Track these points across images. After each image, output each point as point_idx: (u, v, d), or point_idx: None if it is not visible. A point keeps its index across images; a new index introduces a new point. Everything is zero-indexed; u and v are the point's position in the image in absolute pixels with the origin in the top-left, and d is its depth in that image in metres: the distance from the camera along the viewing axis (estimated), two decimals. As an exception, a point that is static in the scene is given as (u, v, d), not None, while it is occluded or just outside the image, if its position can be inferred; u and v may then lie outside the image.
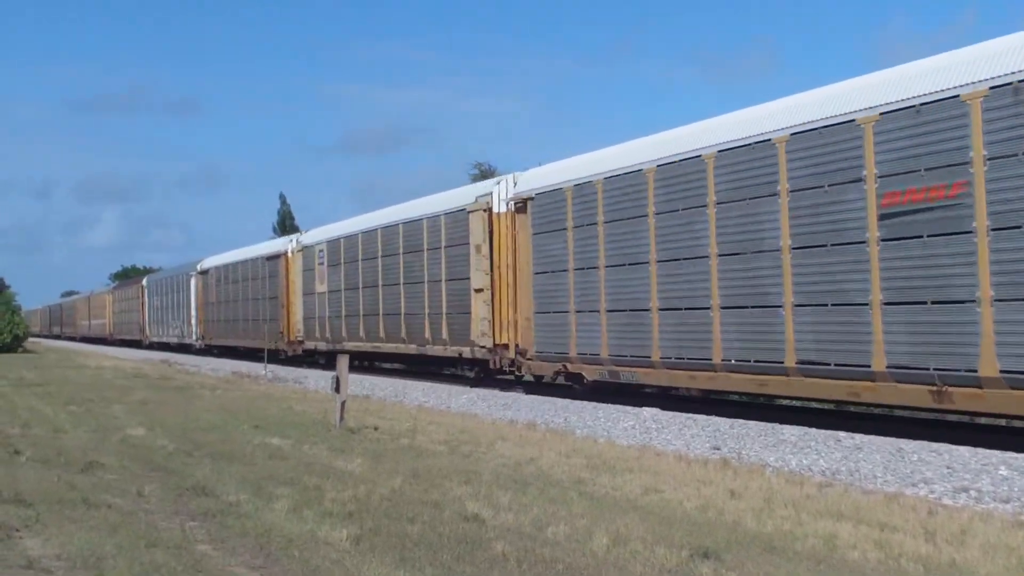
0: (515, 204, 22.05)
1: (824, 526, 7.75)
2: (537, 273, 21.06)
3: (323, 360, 34.02)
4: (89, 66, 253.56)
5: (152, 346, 58.43)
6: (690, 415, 16.74)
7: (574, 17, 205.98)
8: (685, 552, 6.82)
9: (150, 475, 10.26)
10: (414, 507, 8.44)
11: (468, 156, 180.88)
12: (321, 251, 34.54)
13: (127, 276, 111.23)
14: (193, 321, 50.29)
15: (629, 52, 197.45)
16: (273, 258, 39.13)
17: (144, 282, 63.24)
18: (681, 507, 8.61)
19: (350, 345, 31.46)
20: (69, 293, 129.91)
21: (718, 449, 12.85)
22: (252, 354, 41.10)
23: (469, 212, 23.76)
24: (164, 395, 21.31)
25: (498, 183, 23.70)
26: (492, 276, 22.83)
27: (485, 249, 22.95)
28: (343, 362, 14.93)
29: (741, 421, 15.71)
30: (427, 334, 26.69)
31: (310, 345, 35.69)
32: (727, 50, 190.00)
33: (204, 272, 49.22)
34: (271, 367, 32.88)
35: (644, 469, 10.64)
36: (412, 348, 27.74)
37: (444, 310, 25.69)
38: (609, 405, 18.71)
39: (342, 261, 32.71)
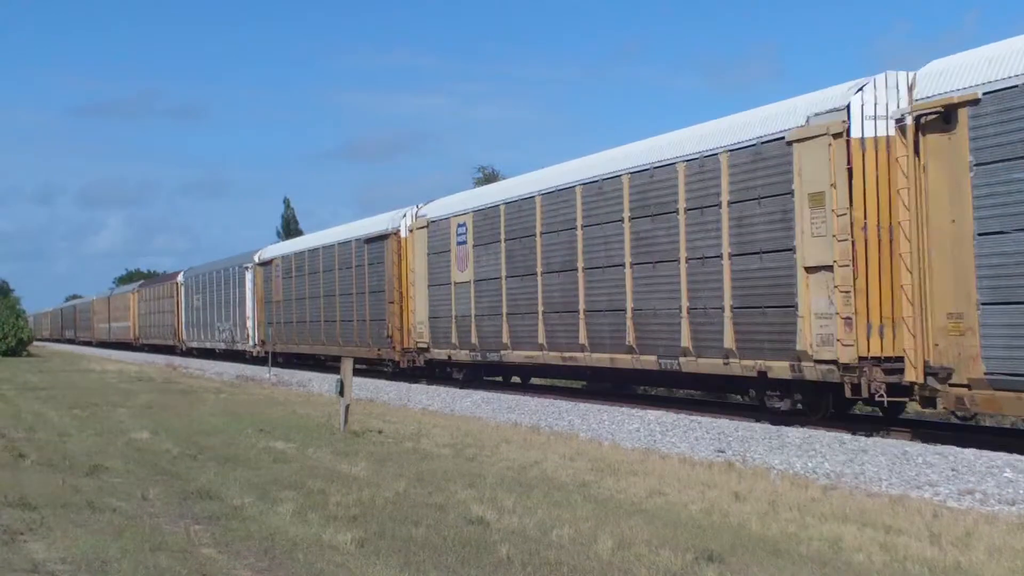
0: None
1: (829, 529, 7.74)
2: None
3: (460, 374, 26.12)
4: (94, 73, 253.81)
5: (191, 353, 51.18)
6: (695, 417, 16.73)
7: (577, 24, 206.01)
8: (690, 555, 6.81)
9: (155, 479, 10.27)
10: (418, 510, 8.44)
11: (471, 162, 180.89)
12: (462, 225, 25.32)
13: (131, 280, 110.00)
14: (250, 324, 41.37)
15: (632, 59, 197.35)
16: (376, 240, 29.95)
17: (180, 278, 54.52)
18: (686, 510, 8.61)
19: (518, 356, 22.81)
20: (73, 297, 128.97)
21: (723, 452, 12.84)
22: (329, 366, 33.46)
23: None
24: (168, 399, 21.32)
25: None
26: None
27: None
28: (347, 365, 14.93)
29: (746, 424, 15.69)
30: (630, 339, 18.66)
31: (439, 354, 26.29)
32: (729, 57, 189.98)
33: (265, 263, 40.35)
34: (275, 370, 32.88)
35: (648, 472, 10.63)
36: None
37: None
38: (614, 407, 18.69)
39: (502, 237, 23.27)
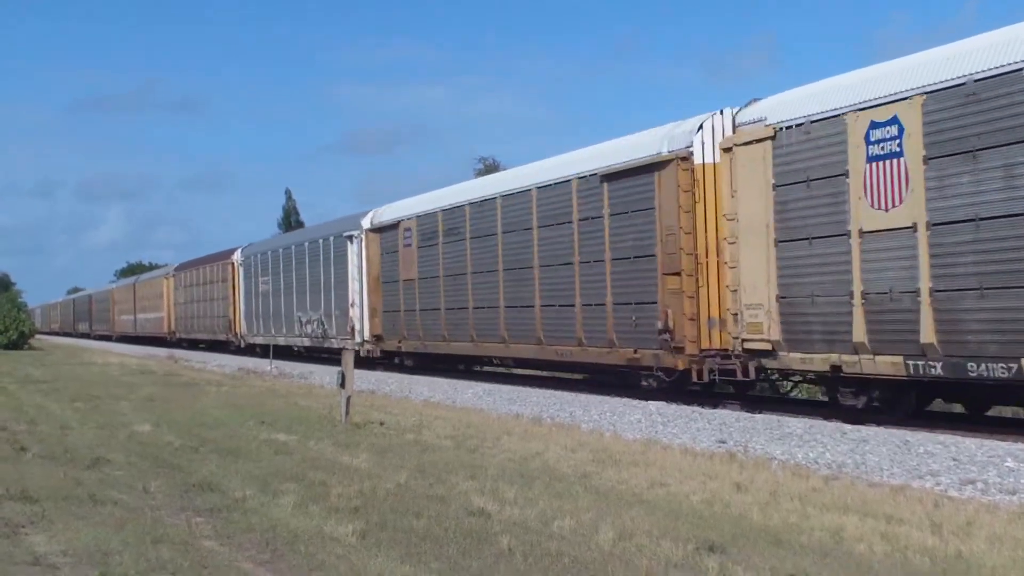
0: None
1: (830, 519, 7.74)
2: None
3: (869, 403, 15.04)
4: (92, 66, 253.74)
5: (252, 350, 41.20)
6: (696, 408, 16.73)
7: (576, 17, 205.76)
8: (691, 546, 6.81)
9: (156, 471, 10.28)
10: (420, 502, 8.44)
11: (471, 155, 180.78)
12: (838, 134, 14.32)
13: (132, 273, 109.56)
14: (355, 313, 30.55)
15: (630, 52, 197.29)
16: (634, 175, 18.62)
17: (237, 256, 44.14)
18: (687, 501, 8.61)
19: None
20: (75, 290, 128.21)
21: (724, 442, 12.84)
22: (510, 378, 25.95)
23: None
24: (170, 391, 21.34)
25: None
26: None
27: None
28: (348, 357, 14.93)
29: (747, 414, 15.70)
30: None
31: (795, 358, 15.32)
32: (726, 49, 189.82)
33: (383, 229, 29.43)
34: (276, 362, 32.89)
35: (650, 463, 10.63)
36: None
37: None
38: (615, 399, 18.70)
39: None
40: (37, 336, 73.07)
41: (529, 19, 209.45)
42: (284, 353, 37.17)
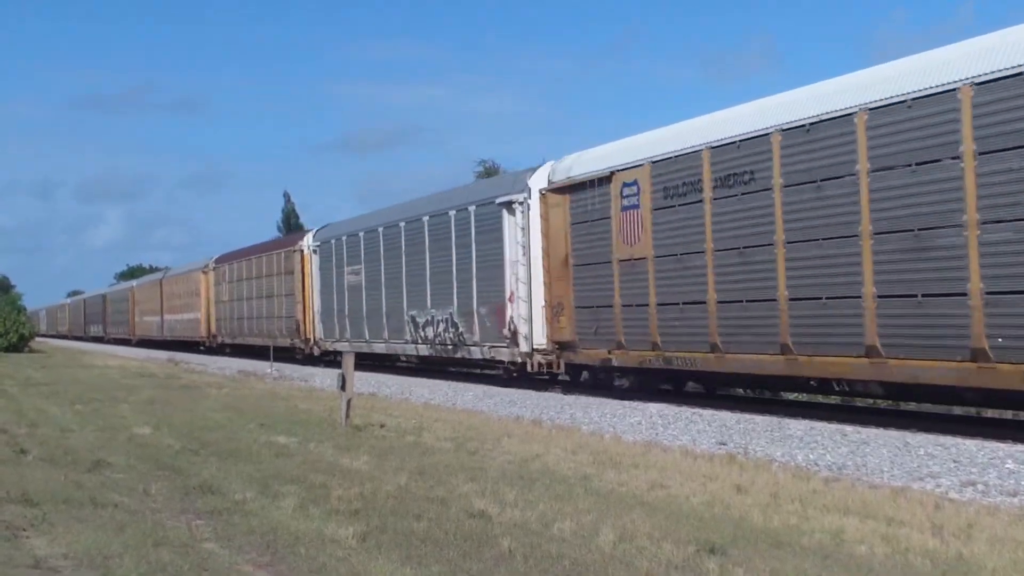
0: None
1: (831, 521, 7.74)
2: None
3: None
4: (89, 65, 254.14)
5: (329, 360, 33.12)
6: (696, 410, 16.73)
7: (574, 16, 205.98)
8: (692, 547, 6.81)
9: (157, 474, 10.28)
10: (420, 504, 8.44)
11: (470, 155, 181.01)
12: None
13: (133, 275, 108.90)
14: (523, 310, 22.24)
15: (629, 51, 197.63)
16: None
17: (308, 241, 35.69)
18: (687, 502, 8.61)
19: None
20: (75, 293, 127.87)
21: (724, 444, 12.84)
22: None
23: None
24: (171, 394, 21.34)
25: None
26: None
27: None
28: (348, 360, 14.93)
29: (748, 416, 15.70)
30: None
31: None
32: (725, 48, 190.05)
33: (577, 187, 20.51)
34: (276, 365, 32.89)
35: (650, 465, 10.63)
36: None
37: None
38: (615, 401, 18.70)
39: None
40: (41, 339, 72.44)
41: (528, 18, 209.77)
42: (378, 366, 30.12)
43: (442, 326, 25.81)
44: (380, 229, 30.00)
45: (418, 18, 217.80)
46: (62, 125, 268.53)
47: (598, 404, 18.27)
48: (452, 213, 25.48)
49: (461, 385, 24.15)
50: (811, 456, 11.72)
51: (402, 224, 28.44)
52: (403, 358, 30.70)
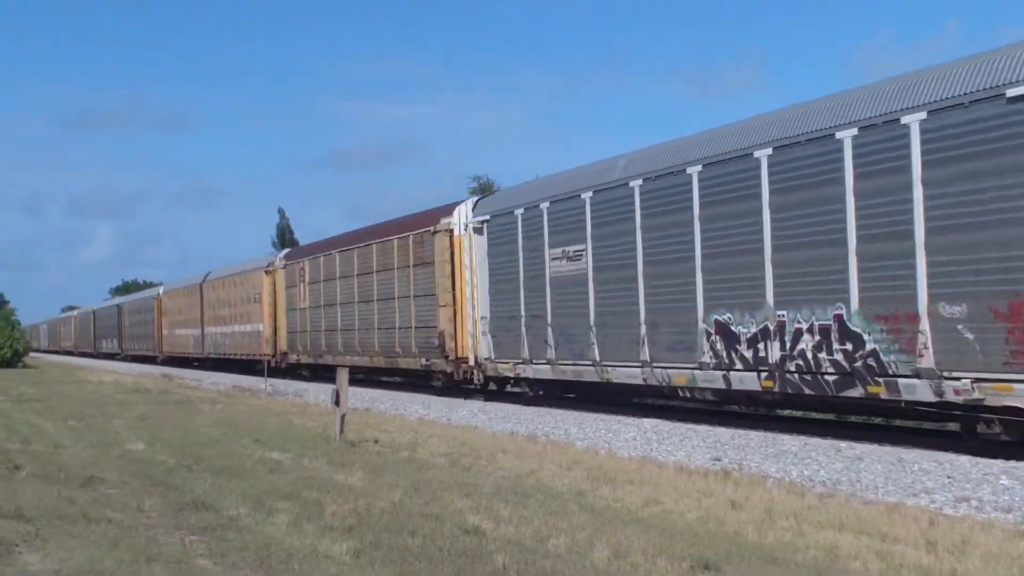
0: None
1: (825, 537, 7.73)
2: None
3: None
4: (79, 82, 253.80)
5: (500, 392, 24.63)
6: (691, 426, 16.73)
7: (564, 35, 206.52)
8: (686, 564, 6.81)
9: (150, 490, 10.25)
10: (414, 520, 8.42)
11: (462, 171, 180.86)
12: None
13: (127, 291, 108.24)
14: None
15: (618, 69, 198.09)
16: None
17: (463, 217, 25.05)
18: (682, 519, 8.60)
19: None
20: (68, 308, 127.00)
21: (719, 460, 12.84)
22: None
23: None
24: (164, 410, 21.29)
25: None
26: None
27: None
28: (342, 375, 14.91)
29: (742, 432, 15.70)
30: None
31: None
32: (712, 66, 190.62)
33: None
34: (271, 381, 32.83)
35: (645, 481, 10.62)
36: None
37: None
38: (610, 416, 18.70)
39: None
40: (44, 356, 70.39)
41: (518, 36, 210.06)
42: (593, 401, 21.38)
43: (808, 339, 14.78)
44: (636, 185, 18.44)
45: (409, 36, 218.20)
46: (52, 142, 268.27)
47: (593, 419, 18.26)
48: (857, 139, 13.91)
49: (456, 400, 24.12)
50: (806, 472, 11.72)
51: (693, 171, 17.00)
52: (691, 393, 18.22)
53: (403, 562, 6.97)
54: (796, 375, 15.04)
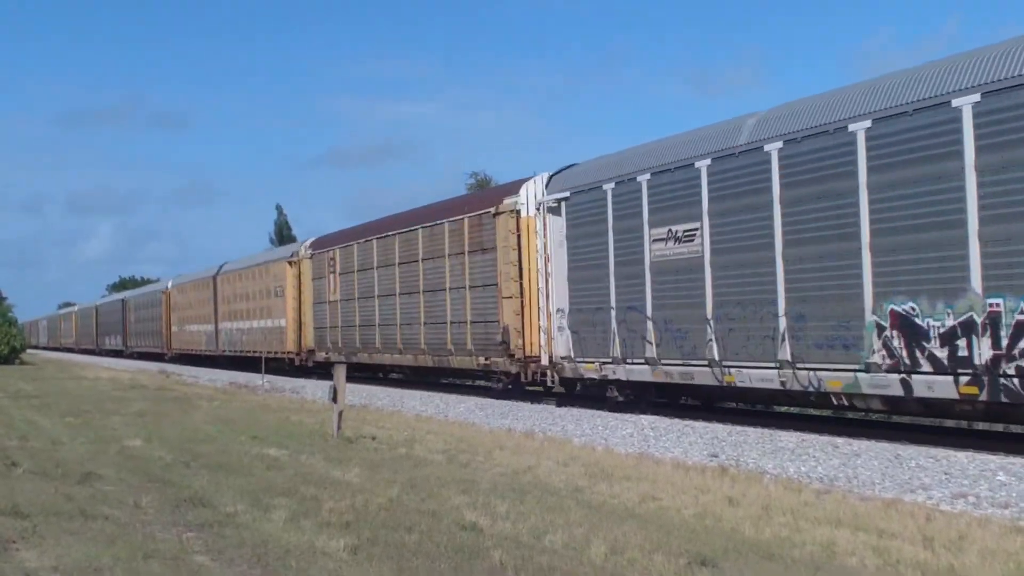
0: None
1: (822, 533, 7.74)
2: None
3: None
4: (75, 81, 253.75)
5: (592, 397, 20.83)
6: (688, 422, 16.74)
7: (563, 33, 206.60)
8: (683, 560, 6.81)
9: (147, 486, 10.24)
10: (412, 516, 8.43)
11: (461, 169, 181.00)
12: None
13: (124, 287, 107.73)
14: None
15: (618, 66, 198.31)
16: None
17: (532, 192, 22.49)
18: (679, 515, 8.61)
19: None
20: (66, 304, 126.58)
21: (716, 456, 12.84)
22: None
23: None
24: (162, 406, 21.28)
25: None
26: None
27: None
28: (340, 372, 14.92)
29: (739, 428, 15.71)
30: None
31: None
32: (713, 64, 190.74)
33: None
34: (268, 377, 32.82)
35: (642, 477, 10.63)
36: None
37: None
38: (607, 413, 18.71)
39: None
40: (44, 353, 69.46)
41: (518, 34, 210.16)
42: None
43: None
44: (773, 149, 15.53)
45: (409, 34, 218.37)
46: (51, 140, 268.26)
47: (590, 416, 18.27)
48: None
49: (453, 397, 24.11)
50: (803, 468, 11.73)
51: (859, 128, 14.13)
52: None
53: (400, 558, 6.97)
54: (1018, 380, 11.96)
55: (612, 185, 19.08)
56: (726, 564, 6.77)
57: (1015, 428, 15.08)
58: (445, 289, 25.64)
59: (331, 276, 33.20)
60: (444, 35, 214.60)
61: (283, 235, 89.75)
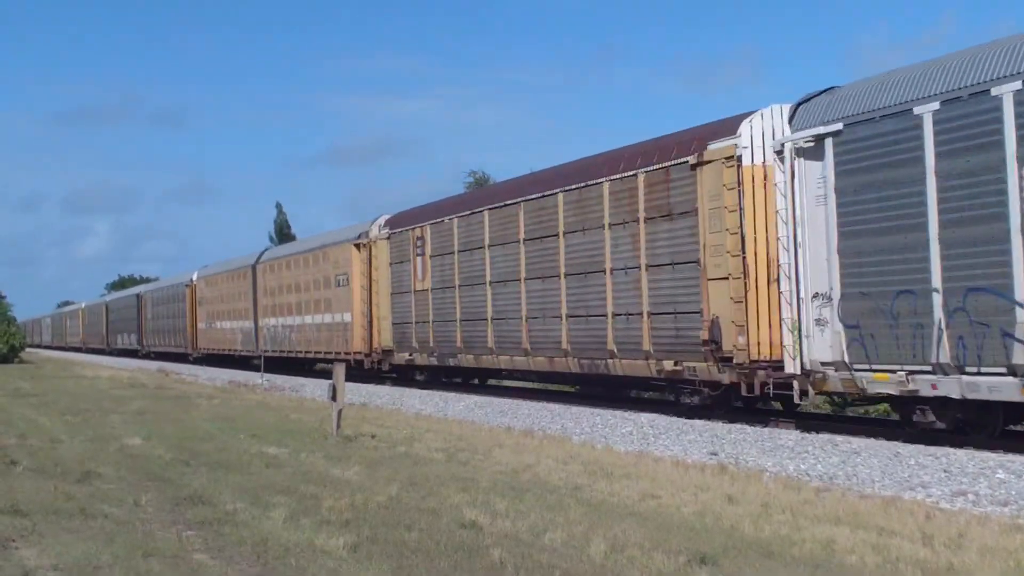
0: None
1: (822, 531, 7.74)
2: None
3: None
4: (73, 79, 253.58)
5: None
6: (687, 420, 16.74)
7: (560, 30, 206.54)
8: (682, 558, 6.81)
9: (147, 484, 10.24)
10: (411, 515, 8.43)
11: (459, 166, 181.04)
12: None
13: (123, 286, 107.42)
14: None
15: (614, 63, 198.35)
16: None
17: (760, 126, 16.39)
18: (679, 513, 8.61)
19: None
20: (65, 303, 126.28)
21: (716, 454, 12.84)
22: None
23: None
24: (161, 405, 21.27)
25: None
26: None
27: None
28: (339, 370, 14.91)
29: (739, 426, 15.71)
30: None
31: None
32: (709, 60, 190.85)
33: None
34: (267, 376, 32.81)
35: (641, 475, 10.63)
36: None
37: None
38: (607, 411, 18.70)
39: None
40: (41, 351, 68.76)
41: (515, 31, 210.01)
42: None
43: None
44: None
45: (405, 32, 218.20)
46: (47, 138, 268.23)
47: (590, 414, 18.26)
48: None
49: (452, 395, 24.09)
50: (802, 466, 11.73)
51: None
52: None
53: (400, 556, 6.97)
54: None
55: (935, 106, 12.80)
56: (725, 562, 6.77)
57: (1015, 427, 15.05)
58: (604, 271, 19.57)
59: (417, 259, 27.00)
60: (443, 32, 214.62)
61: (283, 233, 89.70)
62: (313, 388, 26.77)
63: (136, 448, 13.41)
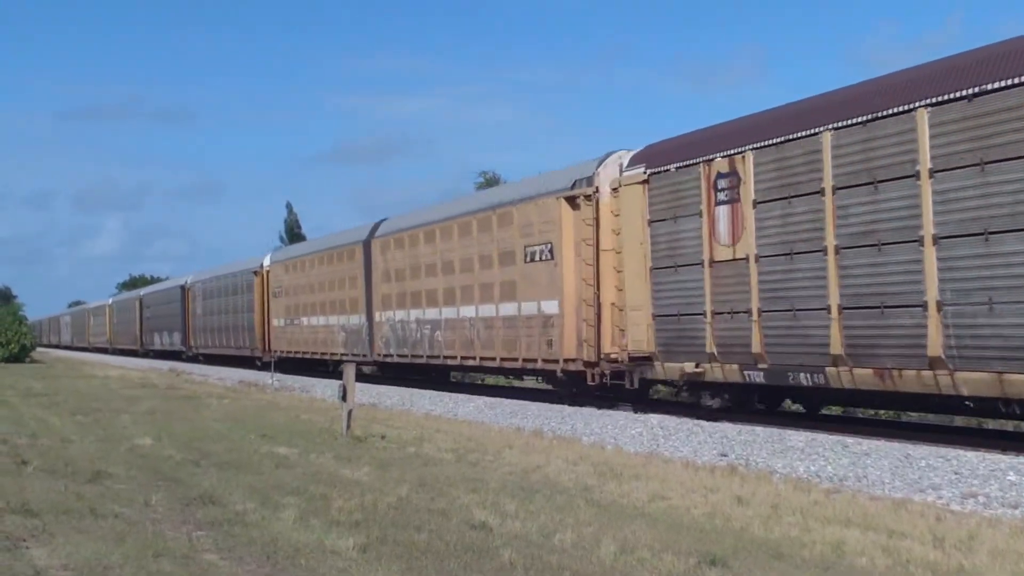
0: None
1: (832, 532, 7.73)
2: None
3: None
4: (82, 77, 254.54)
5: None
6: (697, 422, 16.71)
7: (565, 28, 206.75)
8: (692, 559, 6.80)
9: (157, 484, 10.26)
10: (421, 515, 8.43)
11: (465, 165, 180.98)
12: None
13: (135, 286, 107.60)
14: None
15: (619, 62, 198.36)
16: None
17: None
18: (688, 514, 8.60)
19: None
20: (76, 303, 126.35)
21: (725, 456, 12.82)
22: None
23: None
24: (171, 405, 21.32)
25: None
26: None
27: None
28: (349, 370, 14.93)
29: (749, 428, 15.68)
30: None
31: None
32: (713, 60, 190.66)
33: None
34: (278, 376, 32.86)
35: (651, 476, 10.62)
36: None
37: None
38: (616, 412, 18.69)
39: None
40: (57, 351, 67.94)
41: (520, 30, 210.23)
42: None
43: None
44: None
45: (411, 30, 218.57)
46: (56, 137, 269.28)
47: (599, 415, 18.25)
48: None
49: (462, 396, 24.08)
50: (812, 468, 11.70)
51: None
52: None
53: (410, 557, 6.97)
54: None
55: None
56: (735, 563, 6.76)
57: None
58: None
59: (720, 209, 16.75)
60: (447, 31, 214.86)
61: (293, 233, 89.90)
62: (323, 388, 26.80)
63: (146, 448, 13.44)
